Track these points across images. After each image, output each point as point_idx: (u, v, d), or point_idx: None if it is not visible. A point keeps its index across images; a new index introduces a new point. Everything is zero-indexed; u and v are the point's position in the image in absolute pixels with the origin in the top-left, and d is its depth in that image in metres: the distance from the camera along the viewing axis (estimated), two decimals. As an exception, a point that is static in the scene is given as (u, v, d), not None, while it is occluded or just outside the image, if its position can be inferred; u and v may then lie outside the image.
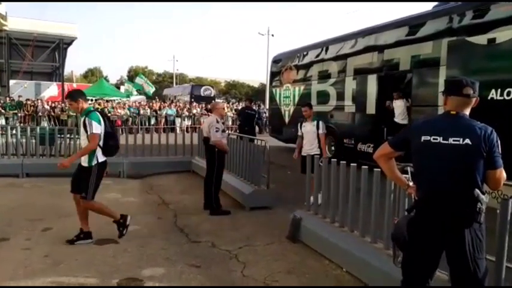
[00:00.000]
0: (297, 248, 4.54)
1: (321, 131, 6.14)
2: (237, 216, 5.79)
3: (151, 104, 24.65)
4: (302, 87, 12.46)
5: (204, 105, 24.92)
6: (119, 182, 8.20)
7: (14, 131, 8.96)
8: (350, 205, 4.09)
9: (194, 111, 23.77)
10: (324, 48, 11.58)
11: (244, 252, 4.37)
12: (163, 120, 21.87)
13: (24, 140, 8.87)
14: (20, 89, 31.46)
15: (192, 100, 28.27)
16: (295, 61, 13.08)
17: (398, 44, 8.87)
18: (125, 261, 4.10)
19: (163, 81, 65.14)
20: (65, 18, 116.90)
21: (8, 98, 23.15)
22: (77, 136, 9.29)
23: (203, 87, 32.52)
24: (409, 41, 8.59)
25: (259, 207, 6.10)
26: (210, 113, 7.52)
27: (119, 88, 32.60)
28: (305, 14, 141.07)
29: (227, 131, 7.03)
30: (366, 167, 3.85)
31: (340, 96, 10.57)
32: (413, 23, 8.62)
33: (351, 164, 4.07)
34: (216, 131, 5.85)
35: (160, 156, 9.56)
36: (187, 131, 17.19)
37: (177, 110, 23.06)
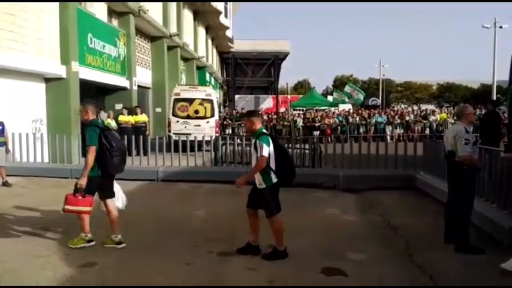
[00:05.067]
0: None
1: None
2: (495, 259, 4.27)
3: (360, 111, 23.87)
4: None
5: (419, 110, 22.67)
6: (335, 196, 7.66)
7: (238, 140, 9.55)
8: None
9: (407, 118, 21.74)
10: None
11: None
12: (372, 128, 20.84)
13: (248, 149, 9.35)
14: (242, 102, 36.14)
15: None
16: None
17: None
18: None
19: (368, 88, 63.58)
20: (278, 35, 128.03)
21: (234, 111, 26.63)
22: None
23: (371, 98, 39.37)
24: None
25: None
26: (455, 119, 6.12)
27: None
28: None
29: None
30: None
31: None
32: None
33: None
34: (466, 143, 4.52)
35: (377, 169, 8.60)
36: (399, 140, 15.61)
37: (388, 117, 21.58)
